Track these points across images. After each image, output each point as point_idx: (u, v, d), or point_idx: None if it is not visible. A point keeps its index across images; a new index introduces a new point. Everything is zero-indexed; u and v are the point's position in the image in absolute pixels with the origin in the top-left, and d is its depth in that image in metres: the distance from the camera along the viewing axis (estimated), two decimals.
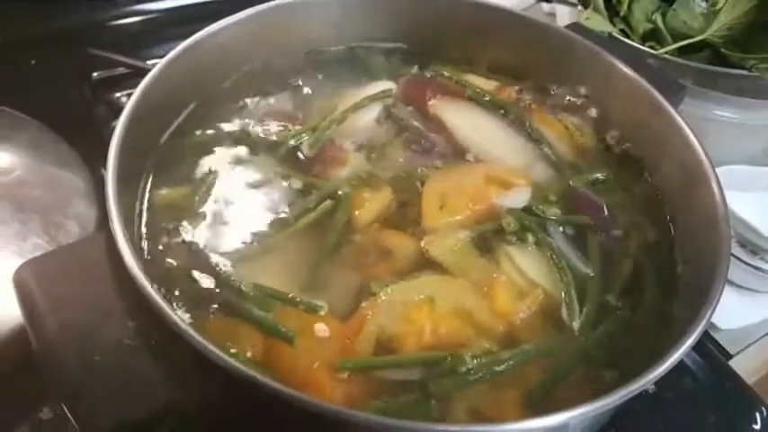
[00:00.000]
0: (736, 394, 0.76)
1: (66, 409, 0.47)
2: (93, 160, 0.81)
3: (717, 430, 0.73)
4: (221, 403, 0.52)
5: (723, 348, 0.85)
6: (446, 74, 0.80)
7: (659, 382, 0.72)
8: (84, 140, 0.84)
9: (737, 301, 0.91)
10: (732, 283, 0.92)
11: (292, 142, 0.69)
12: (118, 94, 0.96)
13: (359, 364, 0.52)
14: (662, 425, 0.71)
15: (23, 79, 0.96)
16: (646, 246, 0.66)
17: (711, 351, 0.80)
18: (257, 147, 0.69)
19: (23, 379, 0.63)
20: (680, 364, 0.76)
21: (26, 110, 0.86)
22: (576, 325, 0.58)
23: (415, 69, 0.81)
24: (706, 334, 0.84)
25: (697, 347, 0.77)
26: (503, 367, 0.53)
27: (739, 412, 0.74)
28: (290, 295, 0.56)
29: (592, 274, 0.62)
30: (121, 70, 0.96)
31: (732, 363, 0.82)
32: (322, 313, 0.55)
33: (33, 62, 0.98)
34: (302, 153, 0.69)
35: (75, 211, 0.77)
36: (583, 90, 0.77)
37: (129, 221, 0.59)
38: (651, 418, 0.72)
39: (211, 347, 0.44)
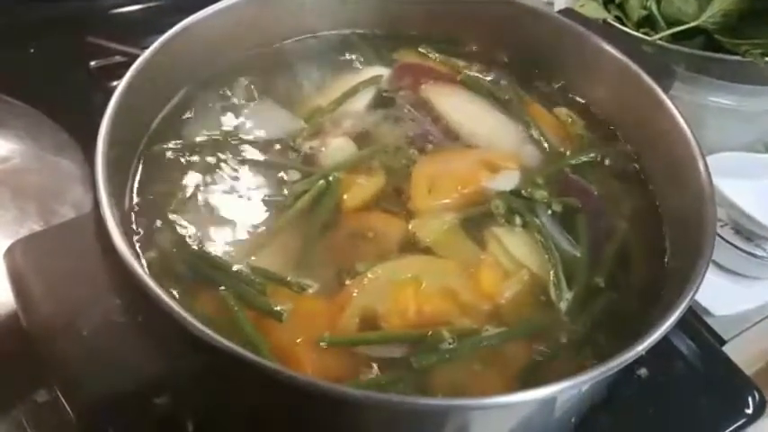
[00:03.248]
0: (729, 379, 0.76)
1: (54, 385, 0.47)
2: (89, 147, 0.81)
3: (709, 415, 0.73)
4: (208, 379, 0.52)
5: (717, 334, 0.84)
6: (437, 58, 0.80)
7: (651, 367, 0.73)
8: (82, 128, 0.83)
9: (731, 287, 0.91)
10: (726, 269, 0.92)
11: (284, 128, 0.69)
12: (115, 83, 0.95)
13: (341, 340, 0.53)
14: (653, 409, 0.72)
15: (22, 67, 0.96)
16: (634, 228, 0.66)
17: (704, 336, 0.80)
18: (248, 133, 0.69)
19: (18, 362, 0.63)
20: (673, 349, 0.77)
21: (24, 97, 0.86)
22: (563, 306, 0.58)
23: (406, 54, 0.81)
24: (699, 319, 0.84)
25: (690, 333, 0.78)
26: (485, 345, 0.53)
27: (731, 397, 0.74)
28: (279, 275, 0.57)
29: (579, 256, 0.62)
30: (119, 59, 0.96)
31: (726, 349, 0.81)
32: (310, 292, 0.56)
33: (32, 50, 0.99)
34: (293, 138, 0.69)
35: (72, 198, 0.78)
36: (572, 75, 0.77)
37: (120, 203, 0.60)
38: (643, 402, 0.72)
39: (196, 323, 0.45)
